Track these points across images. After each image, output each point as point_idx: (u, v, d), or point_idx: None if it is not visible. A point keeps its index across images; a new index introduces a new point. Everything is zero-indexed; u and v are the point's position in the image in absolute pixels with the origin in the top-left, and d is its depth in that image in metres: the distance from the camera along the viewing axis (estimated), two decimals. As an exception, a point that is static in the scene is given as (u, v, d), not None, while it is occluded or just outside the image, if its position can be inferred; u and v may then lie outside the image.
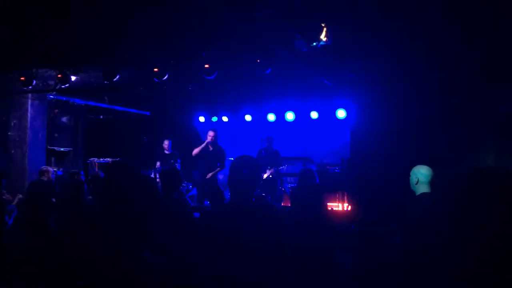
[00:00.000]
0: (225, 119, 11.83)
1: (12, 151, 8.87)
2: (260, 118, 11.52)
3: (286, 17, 4.74)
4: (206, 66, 6.62)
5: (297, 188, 4.80)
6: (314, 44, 4.53)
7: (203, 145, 8.91)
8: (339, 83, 7.23)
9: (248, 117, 11.53)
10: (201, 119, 11.95)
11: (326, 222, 4.58)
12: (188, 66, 7.26)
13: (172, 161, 9.84)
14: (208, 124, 12.04)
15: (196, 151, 8.98)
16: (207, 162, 8.89)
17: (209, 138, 8.87)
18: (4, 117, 8.91)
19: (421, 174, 3.91)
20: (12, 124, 8.90)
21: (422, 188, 3.88)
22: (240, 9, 4.27)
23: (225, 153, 9.02)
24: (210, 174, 8.81)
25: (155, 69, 6.91)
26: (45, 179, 7.43)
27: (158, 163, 10.00)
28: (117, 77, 7.18)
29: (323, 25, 4.43)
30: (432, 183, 3.92)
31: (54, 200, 7.29)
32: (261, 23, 4.66)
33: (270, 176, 9.14)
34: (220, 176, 9.79)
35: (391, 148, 6.01)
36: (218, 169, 8.92)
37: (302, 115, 11.10)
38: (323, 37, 4.44)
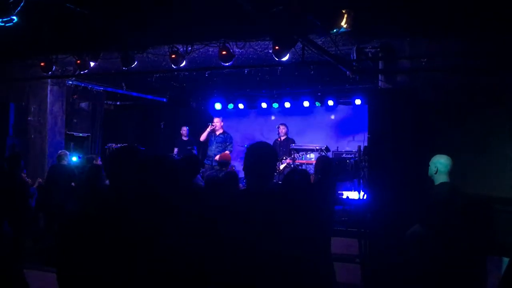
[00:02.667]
0: (241, 106, 11.82)
1: (32, 136, 9.01)
2: (277, 105, 11.50)
3: (304, 3, 4.70)
4: (224, 52, 6.60)
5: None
6: (334, 31, 4.47)
7: (208, 129, 9.38)
8: (356, 70, 7.15)
9: (264, 105, 11.51)
10: (218, 106, 11.97)
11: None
12: (204, 53, 7.27)
13: (189, 147, 9.92)
14: (224, 111, 12.06)
15: (203, 136, 9.48)
16: (215, 148, 9.35)
17: (214, 125, 9.39)
18: (24, 102, 9.04)
19: (440, 164, 3.88)
20: (32, 109, 9.03)
21: (441, 177, 3.86)
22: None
23: (232, 138, 9.54)
24: (218, 156, 9.05)
25: (173, 56, 6.92)
26: (65, 163, 7.55)
27: (176, 150, 10.09)
28: (135, 63, 7.22)
29: (343, 11, 4.37)
30: (451, 172, 3.89)
31: (73, 184, 7.42)
32: (280, 7, 4.62)
33: (288, 165, 9.14)
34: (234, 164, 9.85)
35: (409, 137, 5.95)
36: (227, 151, 9.19)
37: (318, 103, 11.04)
38: (343, 23, 4.38)
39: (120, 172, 2.58)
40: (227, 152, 8.51)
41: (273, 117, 11.23)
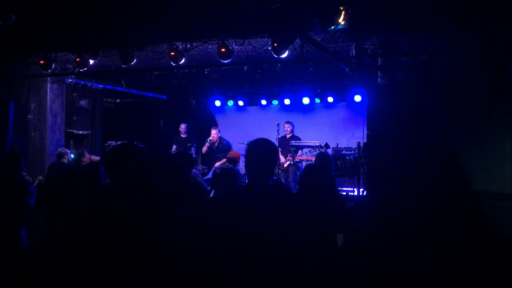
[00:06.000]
0: (240, 103, 11.83)
1: (32, 134, 9.02)
2: (276, 102, 11.50)
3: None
4: (223, 50, 6.60)
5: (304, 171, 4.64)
6: (332, 28, 4.48)
7: (207, 144, 9.91)
8: (356, 67, 7.16)
9: (263, 102, 11.52)
10: (217, 103, 11.97)
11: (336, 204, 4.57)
12: (203, 50, 7.28)
13: (188, 144, 9.94)
14: (224, 108, 12.07)
15: (204, 149, 10.00)
16: (215, 157, 9.77)
17: (212, 137, 9.82)
18: (24, 100, 9.05)
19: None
20: (32, 107, 9.04)
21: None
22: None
23: (230, 144, 9.95)
24: (217, 164, 9.47)
25: (172, 53, 6.92)
26: (65, 161, 7.56)
27: (174, 147, 10.11)
28: (134, 61, 7.22)
29: (341, 8, 4.38)
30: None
31: (72, 182, 7.43)
32: (277, 4, 4.63)
33: (291, 162, 9.16)
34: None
35: (408, 133, 5.96)
36: (224, 160, 9.45)
37: (318, 99, 11.04)
38: (341, 20, 4.39)
39: (120, 170, 2.60)
40: (235, 151, 8.65)
41: None
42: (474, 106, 6.02)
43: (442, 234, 1.61)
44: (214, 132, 9.91)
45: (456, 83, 6.12)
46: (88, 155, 7.96)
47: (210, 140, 9.85)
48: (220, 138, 9.96)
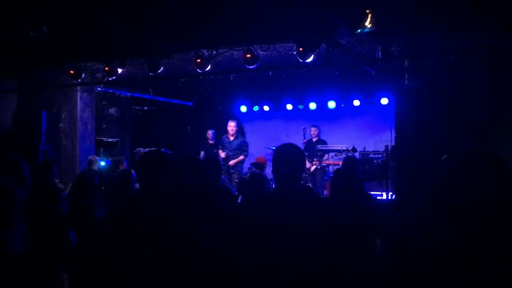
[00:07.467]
0: (266, 108, 11.84)
1: (63, 142, 9.24)
2: (302, 107, 11.48)
3: (329, 3, 4.70)
4: (248, 56, 6.64)
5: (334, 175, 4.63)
6: (359, 31, 4.45)
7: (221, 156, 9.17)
8: (382, 69, 7.08)
9: (289, 106, 11.51)
10: (243, 108, 12.02)
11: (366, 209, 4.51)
12: (229, 56, 7.33)
13: (215, 150, 9.99)
14: (250, 113, 12.11)
15: (224, 153, 9.30)
16: (230, 153, 9.31)
17: (231, 129, 9.28)
18: (55, 109, 9.29)
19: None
20: (63, 116, 9.26)
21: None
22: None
23: (247, 143, 9.47)
24: (232, 161, 9.20)
25: (198, 60, 7.00)
26: (95, 168, 7.72)
27: (202, 153, 10.17)
28: (161, 68, 7.33)
29: (367, 11, 4.34)
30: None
31: (103, 188, 7.57)
32: (302, 9, 4.64)
33: (318, 167, 9.12)
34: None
35: (437, 135, 5.86)
36: (242, 157, 9.31)
37: (344, 103, 10.96)
38: (367, 23, 4.36)
39: (148, 177, 2.65)
40: (262, 156, 8.53)
41: None
42: (507, 107, 5.87)
43: (481, 239, 1.54)
44: (233, 124, 9.37)
45: (487, 83, 5.98)
46: (126, 165, 8.10)
47: (229, 132, 9.29)
48: (237, 134, 9.52)
